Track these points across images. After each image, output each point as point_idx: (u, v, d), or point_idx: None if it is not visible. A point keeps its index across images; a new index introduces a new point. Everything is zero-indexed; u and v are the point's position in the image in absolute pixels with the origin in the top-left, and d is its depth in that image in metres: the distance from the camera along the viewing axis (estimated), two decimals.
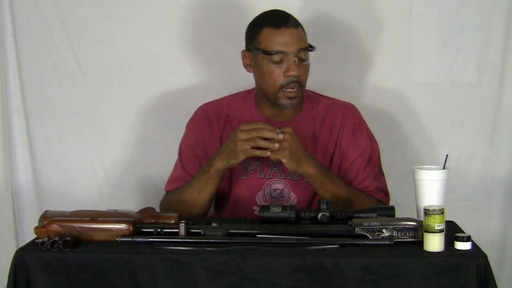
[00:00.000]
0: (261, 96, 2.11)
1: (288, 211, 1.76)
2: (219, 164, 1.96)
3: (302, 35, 2.04)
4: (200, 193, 2.01)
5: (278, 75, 2.00)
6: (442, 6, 2.49)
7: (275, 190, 2.09)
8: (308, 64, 2.05)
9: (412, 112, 2.53)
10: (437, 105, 2.53)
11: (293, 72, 1.99)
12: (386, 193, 2.11)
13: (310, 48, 2.04)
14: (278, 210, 1.76)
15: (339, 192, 1.96)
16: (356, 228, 1.66)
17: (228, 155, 1.93)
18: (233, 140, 1.92)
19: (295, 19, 2.06)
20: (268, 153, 1.90)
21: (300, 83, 2.01)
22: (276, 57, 1.99)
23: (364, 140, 2.12)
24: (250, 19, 2.12)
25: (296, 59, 1.99)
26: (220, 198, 2.14)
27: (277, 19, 2.03)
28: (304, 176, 1.99)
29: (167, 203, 2.10)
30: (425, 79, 2.52)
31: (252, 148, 1.90)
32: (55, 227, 1.67)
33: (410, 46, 2.51)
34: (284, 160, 1.91)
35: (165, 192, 2.17)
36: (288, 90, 2.01)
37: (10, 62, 2.53)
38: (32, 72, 2.54)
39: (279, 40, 1.99)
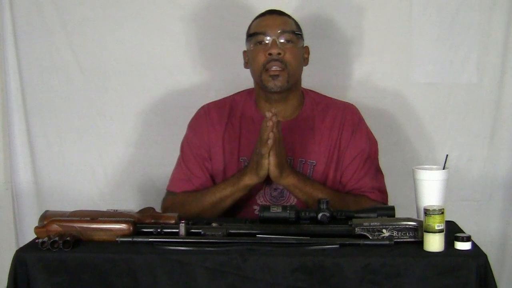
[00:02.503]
0: (259, 93, 2.12)
1: (288, 211, 1.76)
2: (248, 180, 1.98)
3: (288, 21, 2.09)
4: (222, 202, 2.02)
5: (261, 55, 2.04)
6: (442, 6, 2.49)
7: (275, 189, 2.09)
8: (297, 49, 2.07)
9: (412, 112, 2.54)
10: (437, 105, 2.53)
11: (273, 50, 2.02)
12: (382, 192, 2.11)
13: (297, 33, 2.06)
14: (278, 210, 1.76)
15: (322, 197, 1.94)
16: (356, 228, 1.66)
17: (256, 168, 1.95)
18: (254, 154, 1.95)
19: (285, 13, 2.11)
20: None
21: (283, 62, 2.03)
22: (259, 37, 2.05)
23: (363, 140, 2.12)
24: (250, 19, 2.14)
25: (276, 38, 2.03)
26: None
27: (266, 11, 2.12)
28: (283, 185, 2.00)
29: (178, 205, 2.07)
30: (425, 79, 2.53)
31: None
32: (55, 227, 1.67)
33: (410, 46, 2.51)
34: (272, 162, 1.91)
35: (167, 191, 2.16)
36: (270, 69, 2.03)
37: (10, 62, 2.53)
38: (32, 72, 2.54)
39: (262, 24, 2.09)
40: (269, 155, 1.91)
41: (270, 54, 2.02)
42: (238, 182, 2.00)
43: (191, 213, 1.97)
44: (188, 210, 2.00)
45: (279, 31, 2.04)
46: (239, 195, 2.02)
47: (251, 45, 2.08)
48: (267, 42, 2.04)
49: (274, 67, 2.03)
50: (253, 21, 2.13)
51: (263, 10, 2.14)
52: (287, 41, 2.05)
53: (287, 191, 2.04)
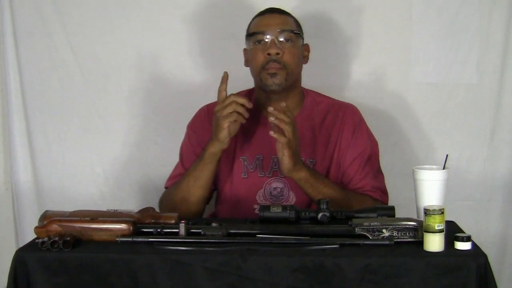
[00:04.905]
0: (260, 94, 2.12)
1: (288, 211, 1.76)
2: (211, 147, 1.98)
3: (287, 20, 2.09)
4: (196, 180, 2.01)
5: (260, 55, 2.05)
6: (442, 6, 2.49)
7: (275, 188, 2.09)
8: (296, 49, 2.07)
9: (412, 112, 2.54)
10: (437, 105, 2.53)
11: (272, 50, 2.02)
12: (384, 192, 2.11)
13: (296, 32, 2.06)
14: (278, 210, 1.76)
15: (330, 194, 1.95)
16: (356, 228, 1.67)
17: (215, 133, 1.95)
18: (214, 119, 1.96)
19: (285, 11, 2.11)
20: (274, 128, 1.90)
21: (282, 63, 2.03)
22: (258, 37, 2.05)
23: (363, 140, 2.12)
24: (250, 18, 2.14)
25: (275, 38, 2.03)
26: (221, 197, 2.14)
27: (266, 9, 2.12)
28: (295, 179, 1.99)
29: (166, 197, 2.11)
30: (425, 79, 2.53)
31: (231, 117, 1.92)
32: (55, 227, 1.67)
33: (410, 46, 2.51)
34: (286, 153, 1.90)
35: (164, 189, 2.17)
36: (268, 68, 2.03)
37: (10, 62, 2.53)
38: (32, 72, 2.54)
39: (261, 23, 2.09)
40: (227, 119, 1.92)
41: (268, 54, 2.03)
42: (203, 154, 2.00)
43: (175, 202, 1.98)
44: (172, 199, 2.02)
45: (278, 30, 2.04)
46: (209, 169, 2.00)
47: (250, 44, 2.08)
48: (266, 41, 2.04)
49: (272, 67, 2.03)
50: (253, 20, 2.13)
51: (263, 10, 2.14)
52: (286, 40, 2.05)
53: (298, 185, 2.01)
